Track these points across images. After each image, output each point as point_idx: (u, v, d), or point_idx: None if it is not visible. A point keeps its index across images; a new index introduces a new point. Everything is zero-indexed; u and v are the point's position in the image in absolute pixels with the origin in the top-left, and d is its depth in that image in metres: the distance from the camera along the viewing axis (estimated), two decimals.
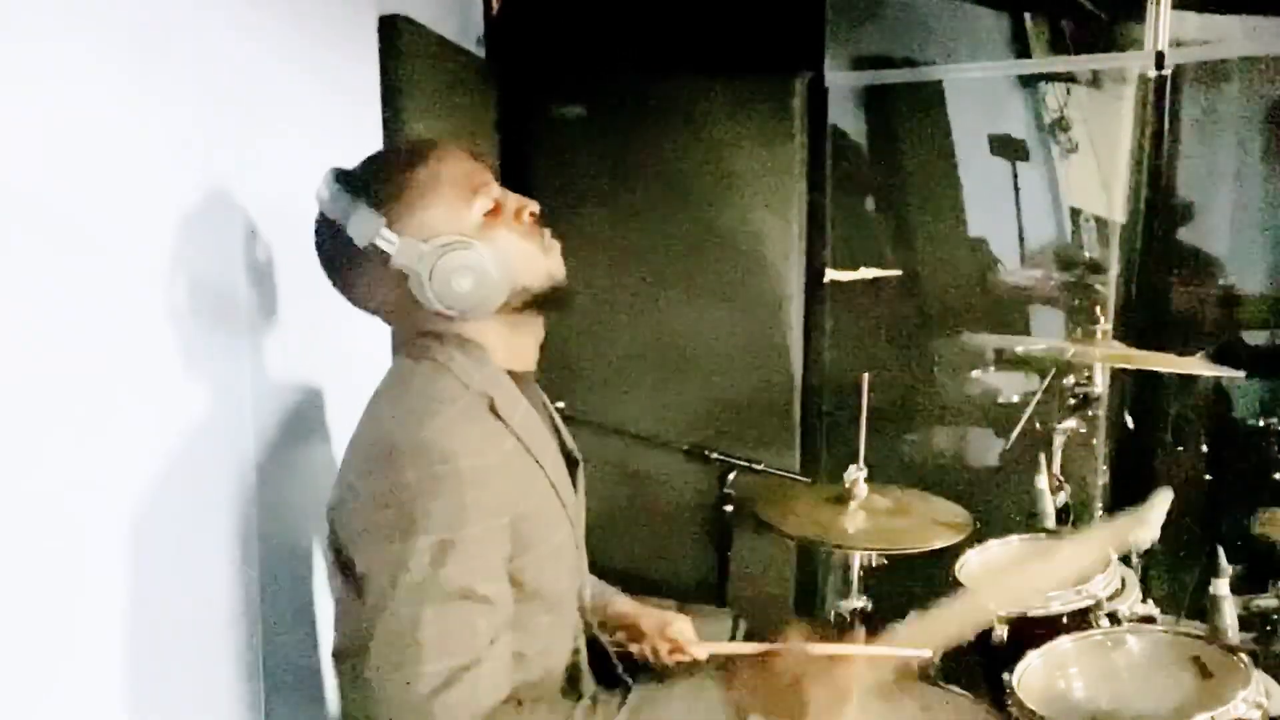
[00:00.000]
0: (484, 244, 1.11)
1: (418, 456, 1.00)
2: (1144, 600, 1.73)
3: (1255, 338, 2.82)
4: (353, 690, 1.02)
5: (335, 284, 1.18)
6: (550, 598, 1.14)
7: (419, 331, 1.15)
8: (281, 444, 1.50)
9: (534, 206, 1.18)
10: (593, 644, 1.30)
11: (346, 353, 1.66)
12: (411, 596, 0.98)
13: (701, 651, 1.39)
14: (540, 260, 1.17)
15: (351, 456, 1.09)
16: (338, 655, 1.07)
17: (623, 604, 1.45)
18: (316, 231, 1.17)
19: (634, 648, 1.40)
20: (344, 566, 1.05)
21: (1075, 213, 3.13)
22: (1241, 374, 2.07)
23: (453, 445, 1.02)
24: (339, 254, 1.14)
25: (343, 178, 1.13)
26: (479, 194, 1.14)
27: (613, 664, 1.33)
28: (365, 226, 1.08)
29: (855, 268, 2.73)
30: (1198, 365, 2.16)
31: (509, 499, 1.06)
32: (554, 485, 1.16)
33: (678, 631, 1.40)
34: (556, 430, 1.28)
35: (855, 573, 1.96)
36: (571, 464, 1.26)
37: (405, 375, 1.13)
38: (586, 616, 1.30)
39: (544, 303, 1.18)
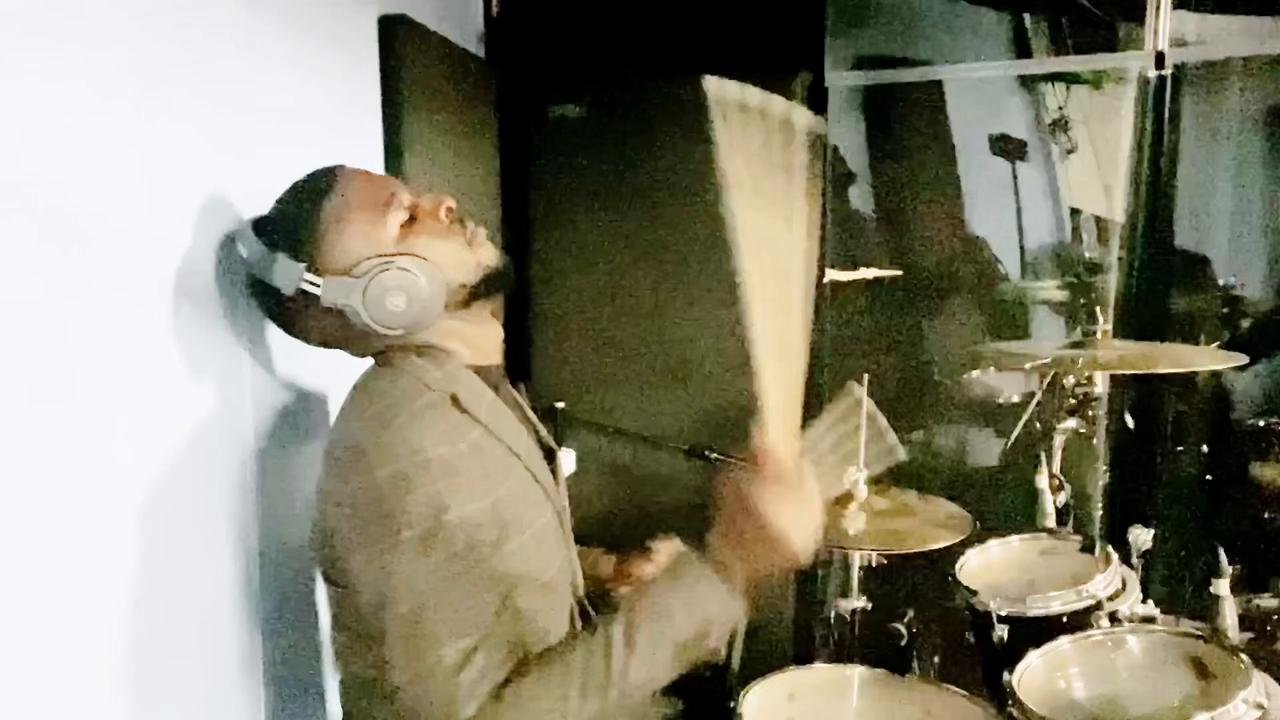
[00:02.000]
0: (407, 257, 1.12)
1: (384, 455, 1.01)
2: (1144, 600, 1.73)
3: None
4: (372, 691, 1.04)
5: (284, 330, 1.21)
6: (544, 578, 1.15)
7: (377, 350, 1.18)
8: (281, 444, 1.50)
9: (450, 202, 1.18)
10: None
11: (346, 356, 1.66)
12: (409, 590, 1.00)
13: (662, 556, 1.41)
14: (466, 254, 1.17)
15: (323, 468, 1.11)
16: (341, 658, 1.10)
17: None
18: (249, 285, 1.20)
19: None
20: (333, 576, 1.08)
21: (1075, 213, 3.13)
22: (1245, 359, 2.07)
23: (418, 440, 1.03)
24: (275, 303, 1.17)
25: (258, 228, 1.16)
26: (390, 208, 1.15)
27: None
28: (287, 275, 1.11)
29: (855, 268, 2.73)
30: (1201, 357, 2.16)
31: (483, 485, 1.07)
32: (531, 471, 1.17)
33: (637, 568, 1.43)
34: (530, 422, 1.29)
35: (855, 573, 1.96)
36: (548, 455, 1.28)
37: (366, 384, 1.15)
38: (581, 602, 1.30)
39: (483, 291, 1.19)
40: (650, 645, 1.03)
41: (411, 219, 1.16)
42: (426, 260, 1.13)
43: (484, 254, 1.19)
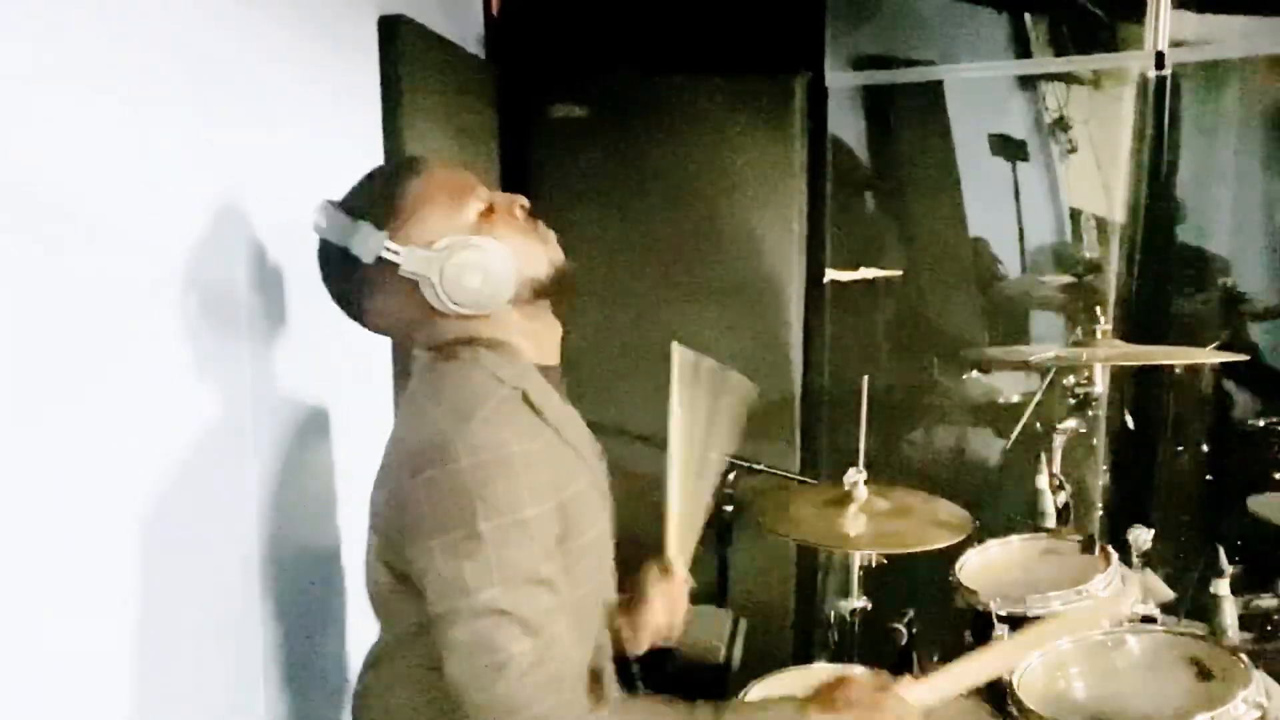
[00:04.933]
0: (486, 239, 1.14)
1: (468, 447, 1.02)
2: (1144, 600, 1.73)
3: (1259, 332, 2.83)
4: (433, 685, 1.05)
5: (348, 310, 1.20)
6: (579, 591, 1.14)
7: (442, 341, 1.17)
8: (283, 448, 1.50)
9: (523, 201, 1.21)
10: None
11: (348, 357, 1.66)
12: (483, 583, 1.00)
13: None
14: (539, 250, 1.19)
15: (396, 459, 1.11)
16: (386, 655, 1.16)
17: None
18: (321, 261, 1.19)
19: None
20: (398, 566, 1.08)
21: (1075, 213, 3.14)
22: (1246, 357, 2.07)
23: (500, 433, 1.04)
24: (347, 278, 1.16)
25: (338, 203, 1.16)
26: (470, 197, 1.17)
27: (629, 665, 1.33)
28: (368, 243, 1.11)
29: (855, 268, 2.73)
30: (1202, 354, 2.16)
31: (555, 483, 1.08)
32: (594, 477, 1.19)
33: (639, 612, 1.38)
34: (587, 429, 1.29)
35: (855, 573, 1.96)
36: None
37: (440, 375, 1.14)
38: (611, 618, 1.30)
39: (552, 289, 1.20)
40: None
41: (489, 211, 1.18)
42: (504, 247, 1.15)
43: (554, 253, 1.21)
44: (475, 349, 1.14)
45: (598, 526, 1.17)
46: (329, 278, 1.19)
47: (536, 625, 1.01)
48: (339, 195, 1.19)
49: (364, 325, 1.21)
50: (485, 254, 1.13)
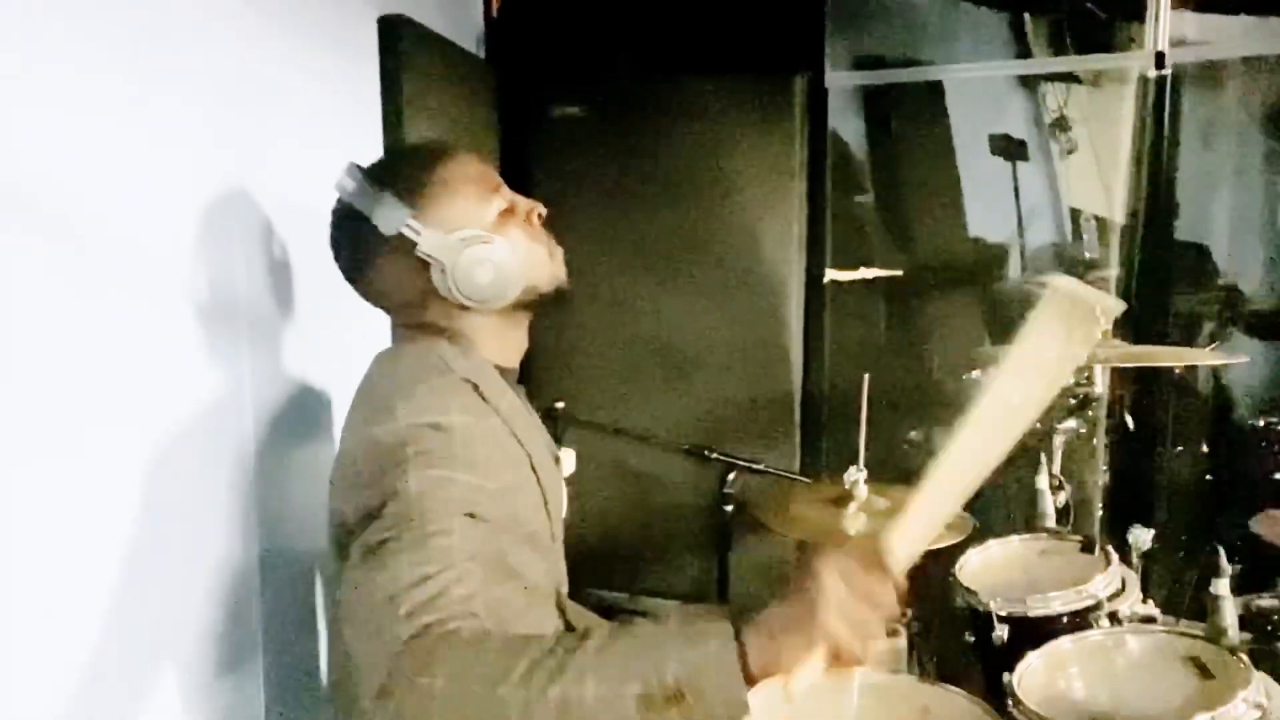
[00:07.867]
0: (504, 240, 1.16)
1: (412, 407, 1.03)
2: (1144, 600, 1.73)
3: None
4: (338, 611, 0.96)
5: (348, 272, 1.22)
6: (526, 580, 1.14)
7: (419, 322, 1.19)
8: (281, 442, 1.51)
9: (542, 210, 1.23)
10: None
11: (345, 350, 1.66)
12: (397, 520, 0.94)
13: None
14: (546, 262, 1.22)
15: (347, 426, 1.12)
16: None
17: None
18: (336, 222, 1.20)
19: None
20: (341, 529, 1.03)
21: (1075, 213, 3.13)
22: (1245, 359, 2.07)
23: (445, 402, 1.05)
24: (358, 243, 1.18)
25: (367, 170, 1.17)
26: (495, 194, 1.19)
27: None
28: (392, 216, 1.13)
29: (855, 268, 2.73)
30: (1202, 355, 2.16)
31: (492, 466, 1.07)
32: (536, 471, 1.18)
33: None
34: (539, 428, 1.30)
35: None
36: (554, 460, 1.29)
37: (397, 351, 1.18)
38: (567, 615, 1.28)
39: (545, 302, 1.23)
40: (619, 671, 0.83)
41: (509, 211, 1.20)
42: (516, 250, 1.17)
43: (559, 269, 1.24)
44: (436, 340, 1.16)
45: (536, 520, 1.17)
46: (339, 236, 1.21)
47: (431, 556, 0.91)
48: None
49: (358, 290, 1.22)
50: (500, 253, 1.15)
